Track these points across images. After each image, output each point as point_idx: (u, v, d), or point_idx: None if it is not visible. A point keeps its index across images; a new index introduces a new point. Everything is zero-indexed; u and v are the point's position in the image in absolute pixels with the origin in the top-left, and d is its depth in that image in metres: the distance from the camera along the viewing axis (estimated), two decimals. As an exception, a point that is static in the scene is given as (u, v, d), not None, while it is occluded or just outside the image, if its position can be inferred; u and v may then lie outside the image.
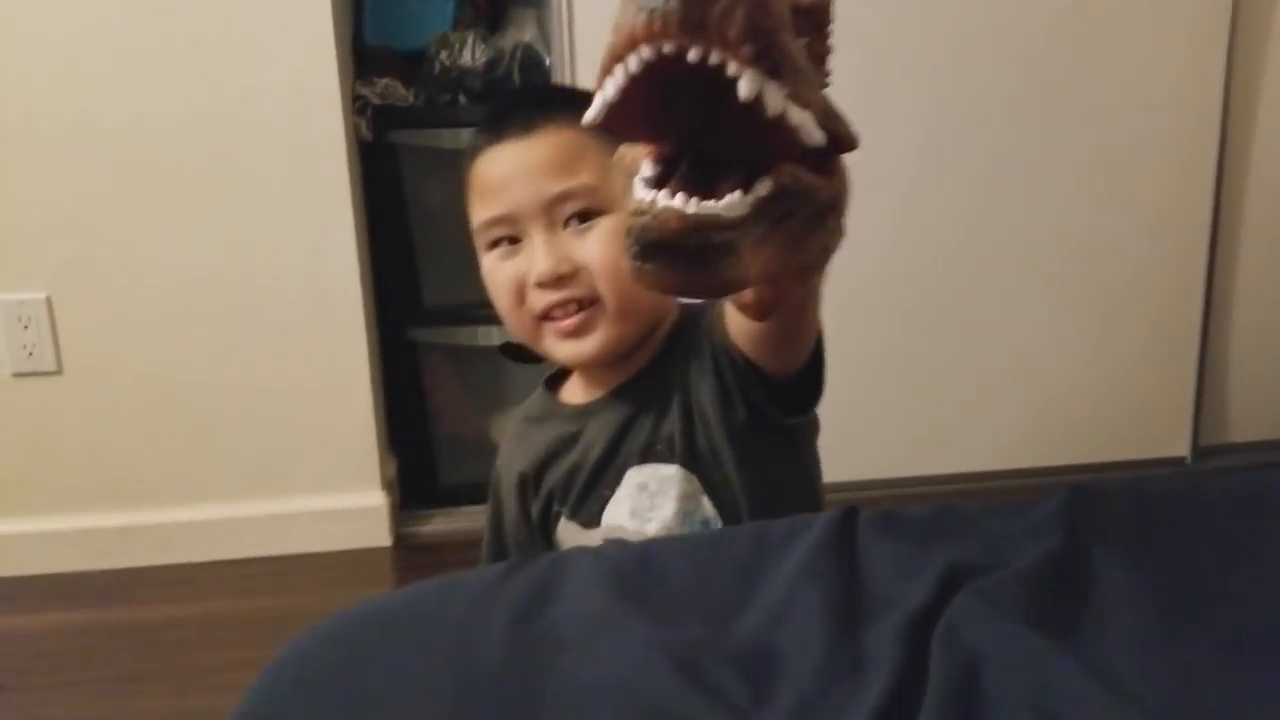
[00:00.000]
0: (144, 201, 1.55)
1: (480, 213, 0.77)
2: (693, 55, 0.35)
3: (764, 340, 0.65)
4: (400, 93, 1.70)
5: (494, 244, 0.77)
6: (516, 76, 1.67)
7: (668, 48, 0.35)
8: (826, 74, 0.44)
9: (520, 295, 0.76)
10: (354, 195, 1.61)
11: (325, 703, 0.50)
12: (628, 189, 0.41)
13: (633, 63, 0.36)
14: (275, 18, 1.51)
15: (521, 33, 1.69)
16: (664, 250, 0.38)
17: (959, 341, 1.76)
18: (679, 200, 0.38)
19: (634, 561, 0.57)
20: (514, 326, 0.78)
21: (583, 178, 0.74)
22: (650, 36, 0.35)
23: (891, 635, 0.50)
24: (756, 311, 0.51)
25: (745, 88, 0.35)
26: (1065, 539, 0.56)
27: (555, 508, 0.80)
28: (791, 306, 0.54)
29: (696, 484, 0.74)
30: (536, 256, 0.75)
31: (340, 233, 1.60)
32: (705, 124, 0.38)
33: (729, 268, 0.38)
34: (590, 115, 0.40)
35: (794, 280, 0.48)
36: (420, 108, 1.70)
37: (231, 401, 1.63)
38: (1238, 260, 1.81)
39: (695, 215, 0.37)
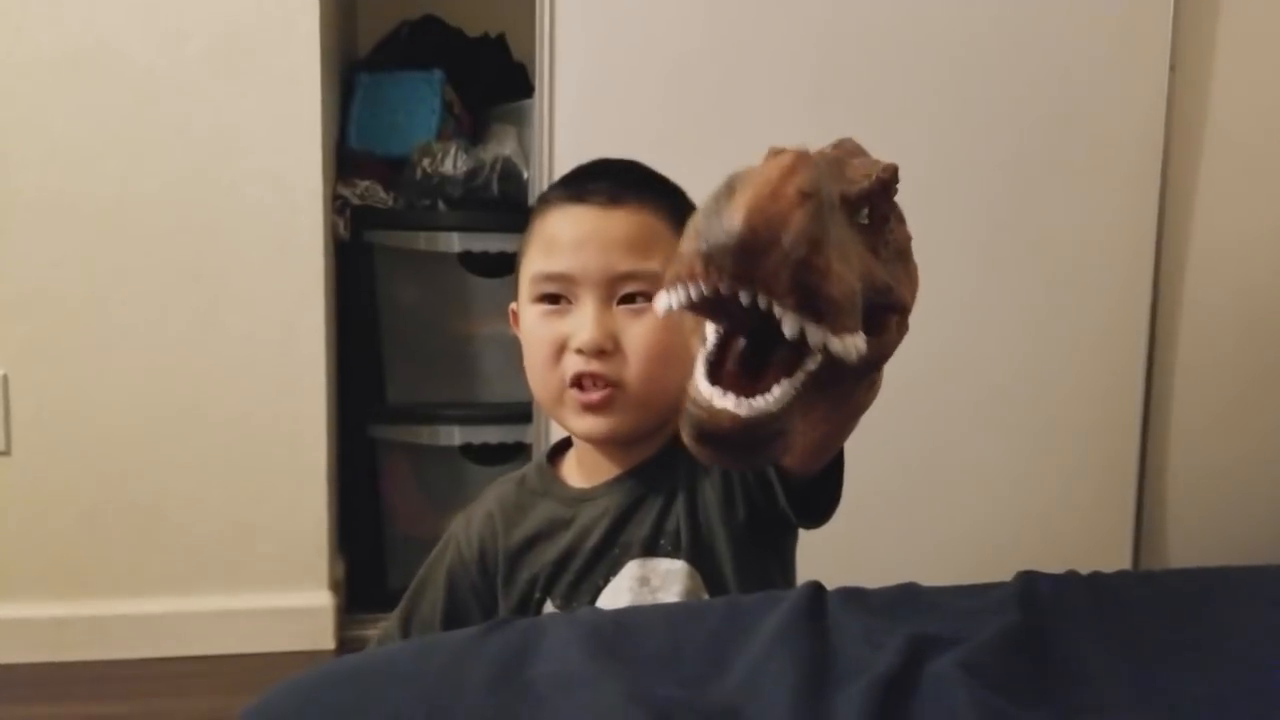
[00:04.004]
0: (116, 284, 1.56)
1: (538, 263, 0.77)
2: (744, 299, 0.40)
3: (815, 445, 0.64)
4: (380, 195, 1.76)
5: (541, 297, 0.77)
6: (495, 187, 1.74)
7: (723, 289, 0.40)
8: (893, 220, 0.48)
9: (557, 356, 0.76)
10: (326, 290, 1.64)
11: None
12: (694, 333, 0.46)
13: (693, 291, 0.41)
14: (266, 113, 1.56)
15: (502, 146, 1.78)
16: (718, 442, 0.42)
17: (904, 467, 1.80)
18: (730, 402, 0.41)
19: (610, 626, 0.58)
20: (539, 385, 0.78)
21: (652, 264, 0.75)
22: (706, 277, 0.40)
23: (859, 699, 0.51)
24: (800, 466, 0.56)
25: (789, 329, 0.40)
26: (1024, 617, 0.59)
27: (537, 594, 0.78)
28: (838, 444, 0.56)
29: (699, 581, 0.74)
30: (584, 323, 0.75)
31: (310, 326, 1.62)
32: (756, 312, 0.42)
33: (777, 449, 0.43)
34: (659, 309, 0.43)
35: (842, 430, 0.52)
36: (398, 210, 1.76)
37: (182, 489, 1.60)
38: (1172, 392, 1.90)
39: (747, 419, 0.41)
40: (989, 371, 1.81)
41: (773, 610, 0.60)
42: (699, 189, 1.52)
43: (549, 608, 0.78)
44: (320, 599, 1.66)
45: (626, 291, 0.75)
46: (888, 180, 0.48)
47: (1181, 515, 1.94)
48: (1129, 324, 1.85)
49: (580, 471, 0.82)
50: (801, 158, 0.41)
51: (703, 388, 0.42)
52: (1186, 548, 1.94)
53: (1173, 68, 1.77)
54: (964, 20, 1.71)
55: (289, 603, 1.64)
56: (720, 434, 0.41)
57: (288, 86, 1.57)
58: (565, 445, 0.85)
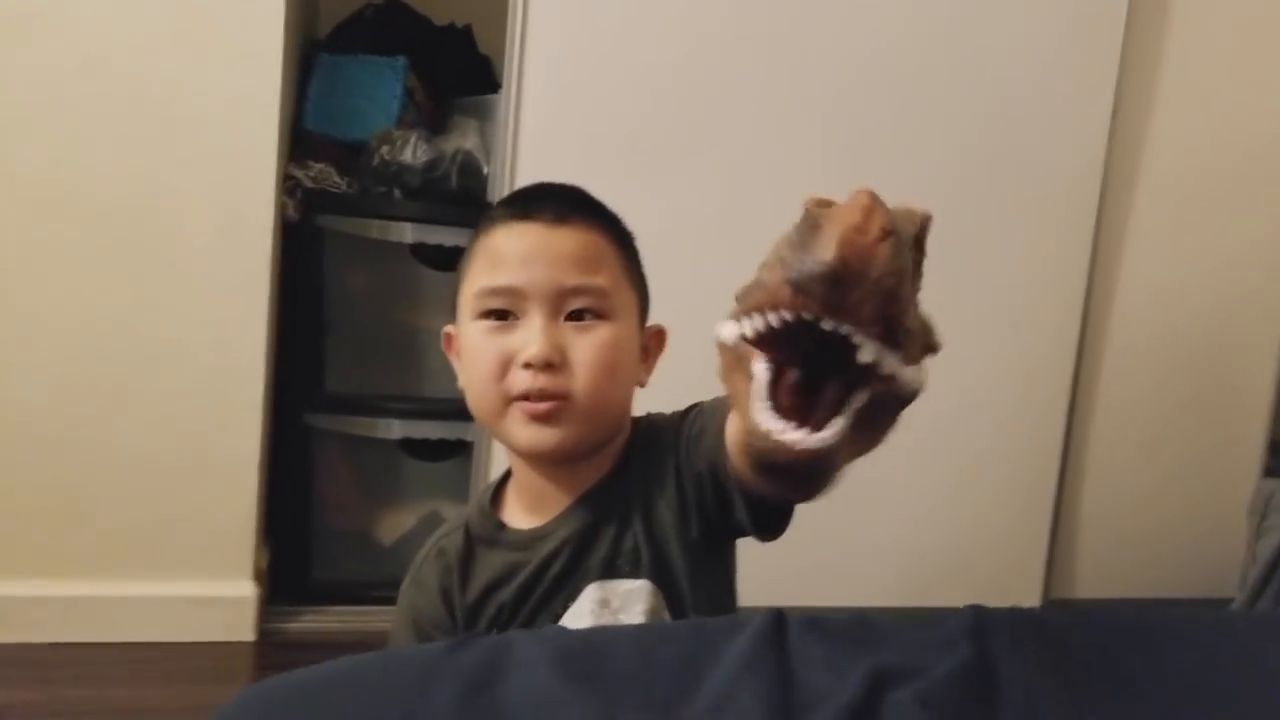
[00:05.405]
0: (48, 254, 1.50)
1: (483, 279, 0.77)
2: (827, 326, 0.41)
3: None
4: (334, 179, 1.72)
5: (485, 314, 0.76)
6: (454, 180, 1.72)
7: (809, 316, 0.41)
8: (920, 275, 0.50)
9: (503, 370, 0.75)
10: (273, 273, 1.60)
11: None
12: (735, 368, 0.46)
13: (773, 319, 0.42)
14: (223, 86, 1.52)
15: (464, 139, 1.76)
16: (785, 473, 0.44)
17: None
18: (797, 435, 0.43)
19: (578, 645, 0.58)
20: (482, 399, 0.77)
21: (599, 280, 0.76)
22: (793, 307, 0.41)
23: (825, 729, 0.53)
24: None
25: (867, 356, 0.42)
26: (975, 652, 0.61)
27: (494, 630, 0.78)
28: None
29: (661, 599, 0.75)
30: (533, 337, 0.74)
31: (253, 309, 1.58)
32: (819, 343, 0.43)
33: (833, 478, 0.45)
34: (726, 338, 0.44)
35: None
36: (353, 195, 1.73)
37: (105, 470, 1.54)
38: (1091, 430, 1.99)
39: (813, 450, 0.43)
40: (918, 399, 1.86)
41: (737, 635, 0.60)
42: (661, 196, 1.55)
43: None
44: (243, 589, 1.62)
45: (574, 307, 0.76)
46: (928, 225, 0.51)
47: (1091, 546, 2.03)
48: (1055, 363, 1.92)
49: (526, 507, 0.81)
50: (877, 198, 0.43)
51: (768, 421, 0.43)
52: (1094, 577, 2.03)
53: (1115, 114, 1.85)
54: (918, 56, 1.77)
55: (210, 591, 1.60)
56: (788, 466, 0.43)
57: (248, 61, 1.52)
58: (501, 485, 0.84)
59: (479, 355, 0.76)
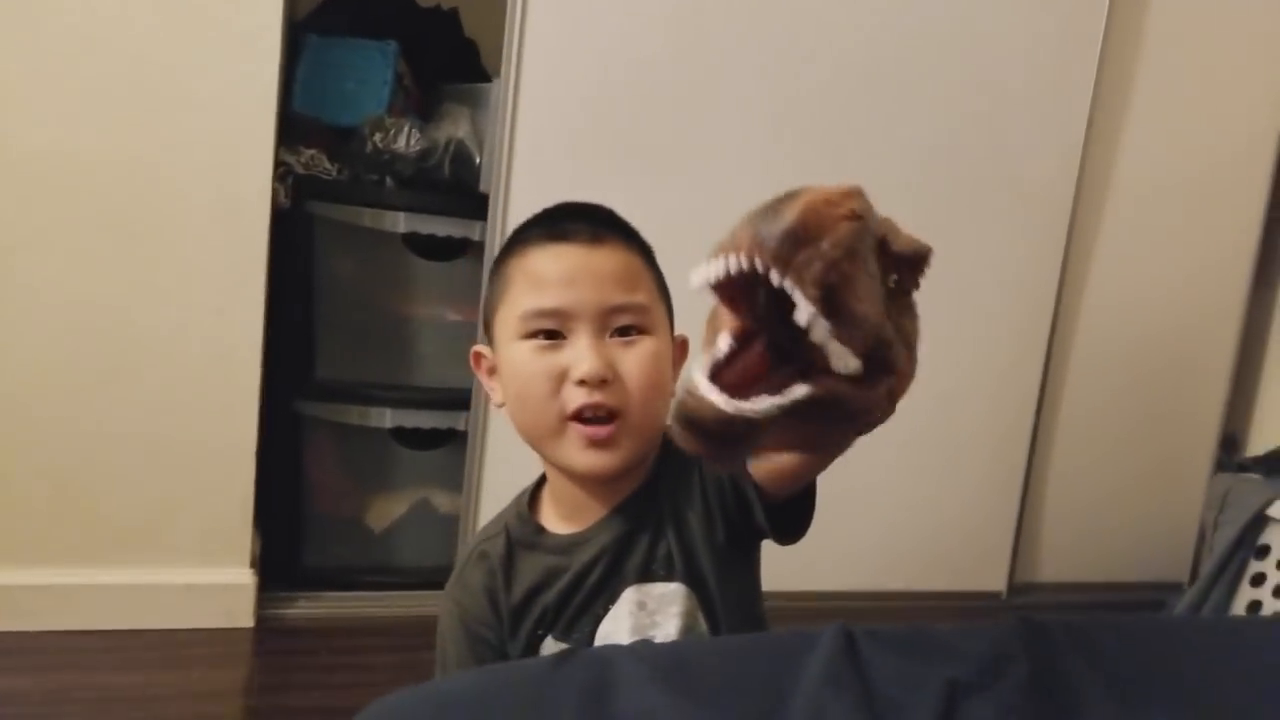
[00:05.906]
0: (43, 237, 1.46)
1: (526, 301, 0.77)
2: (774, 279, 0.45)
3: (790, 472, 0.71)
4: (324, 165, 1.70)
5: (531, 334, 0.77)
6: (447, 170, 1.72)
7: (759, 265, 0.44)
8: (912, 304, 0.53)
9: (556, 389, 0.76)
10: (268, 260, 1.58)
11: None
12: (708, 341, 0.49)
13: (732, 263, 0.45)
14: (220, 70, 1.49)
15: (455, 128, 1.74)
16: (697, 429, 0.47)
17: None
18: (718, 397, 0.46)
19: (669, 660, 0.61)
20: (536, 419, 0.78)
21: (639, 297, 0.78)
22: (749, 252, 0.44)
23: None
24: (775, 489, 0.63)
25: (801, 316, 0.45)
26: (1033, 662, 0.66)
27: (539, 632, 0.80)
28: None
29: (695, 601, 0.78)
30: (583, 355, 0.75)
31: (249, 297, 1.56)
32: (778, 314, 0.46)
33: (747, 450, 0.48)
34: (694, 282, 0.47)
35: (811, 464, 0.58)
36: (344, 182, 1.71)
37: (102, 457, 1.52)
38: (1056, 429, 2.08)
39: (728, 415, 0.46)
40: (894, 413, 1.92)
41: (813, 650, 0.64)
42: (657, 187, 1.54)
43: (548, 643, 0.80)
44: (241, 576, 1.62)
45: (619, 324, 0.78)
46: (924, 254, 0.52)
47: (1054, 535, 2.13)
48: (1025, 367, 2.00)
49: (563, 514, 0.83)
50: (861, 190, 0.46)
51: (698, 378, 0.47)
52: (1056, 563, 2.14)
53: (1090, 125, 1.92)
54: (900, 61, 1.81)
55: (209, 579, 1.59)
56: (700, 421, 0.46)
57: (245, 43, 1.49)
58: (537, 489, 0.86)
59: (529, 375, 0.77)
